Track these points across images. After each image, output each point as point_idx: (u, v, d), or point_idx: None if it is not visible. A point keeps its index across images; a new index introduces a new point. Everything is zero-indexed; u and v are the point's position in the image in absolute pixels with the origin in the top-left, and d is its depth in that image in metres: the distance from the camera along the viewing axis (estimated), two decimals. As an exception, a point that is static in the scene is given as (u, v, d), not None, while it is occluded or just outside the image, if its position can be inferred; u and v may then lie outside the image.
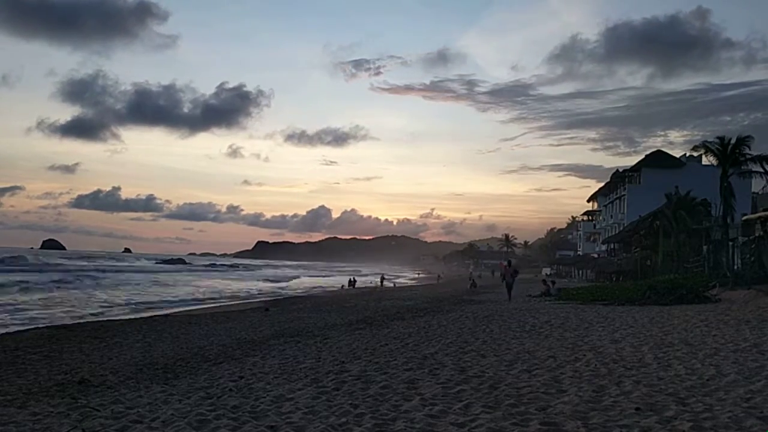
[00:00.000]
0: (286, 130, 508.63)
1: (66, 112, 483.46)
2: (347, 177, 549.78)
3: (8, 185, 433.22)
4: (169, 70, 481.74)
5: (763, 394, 6.34)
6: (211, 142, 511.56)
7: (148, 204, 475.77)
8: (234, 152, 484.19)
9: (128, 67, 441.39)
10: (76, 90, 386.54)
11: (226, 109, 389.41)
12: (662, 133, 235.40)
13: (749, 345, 9.87)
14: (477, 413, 5.93)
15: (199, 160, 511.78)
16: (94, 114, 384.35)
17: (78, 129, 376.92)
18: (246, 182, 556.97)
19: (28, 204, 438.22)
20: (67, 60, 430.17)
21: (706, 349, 9.58)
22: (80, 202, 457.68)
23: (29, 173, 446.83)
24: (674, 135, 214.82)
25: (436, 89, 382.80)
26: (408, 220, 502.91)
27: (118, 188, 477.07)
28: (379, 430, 5.54)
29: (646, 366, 8.32)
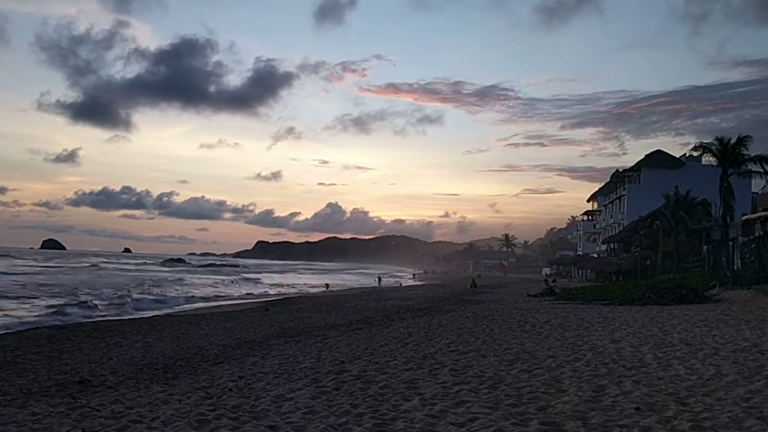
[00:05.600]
0: (287, 128, 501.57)
1: (55, 85, 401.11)
2: (346, 177, 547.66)
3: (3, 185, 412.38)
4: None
5: (763, 394, 6.34)
6: (216, 135, 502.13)
7: (148, 202, 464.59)
8: (238, 146, 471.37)
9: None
10: (74, 56, 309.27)
11: (236, 100, 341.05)
12: (654, 135, 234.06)
13: (749, 345, 9.87)
14: (477, 413, 5.94)
15: (199, 154, 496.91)
16: (96, 92, 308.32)
17: (78, 111, 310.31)
18: (241, 180, 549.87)
19: (25, 203, 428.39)
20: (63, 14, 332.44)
21: (706, 349, 9.58)
22: (79, 201, 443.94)
23: (23, 171, 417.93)
24: (666, 137, 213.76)
25: (425, 90, 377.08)
26: (409, 220, 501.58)
27: (121, 186, 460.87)
28: (379, 430, 5.54)
29: (646, 366, 8.32)
